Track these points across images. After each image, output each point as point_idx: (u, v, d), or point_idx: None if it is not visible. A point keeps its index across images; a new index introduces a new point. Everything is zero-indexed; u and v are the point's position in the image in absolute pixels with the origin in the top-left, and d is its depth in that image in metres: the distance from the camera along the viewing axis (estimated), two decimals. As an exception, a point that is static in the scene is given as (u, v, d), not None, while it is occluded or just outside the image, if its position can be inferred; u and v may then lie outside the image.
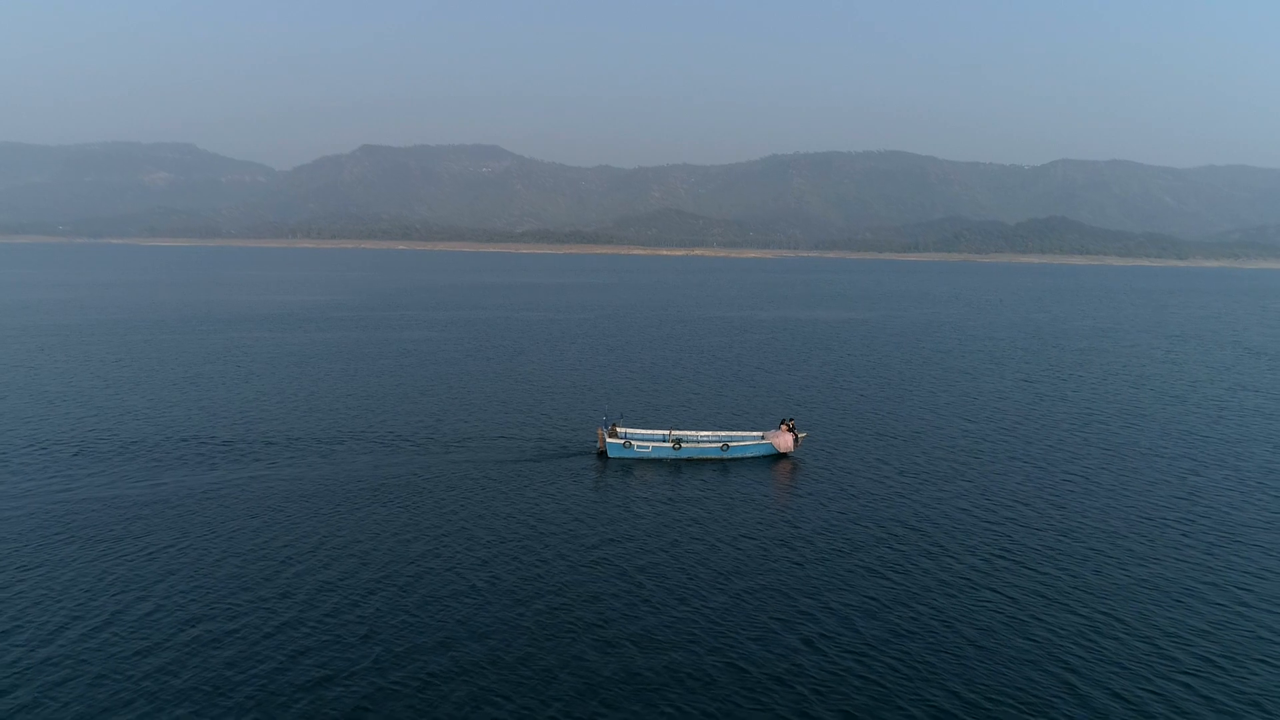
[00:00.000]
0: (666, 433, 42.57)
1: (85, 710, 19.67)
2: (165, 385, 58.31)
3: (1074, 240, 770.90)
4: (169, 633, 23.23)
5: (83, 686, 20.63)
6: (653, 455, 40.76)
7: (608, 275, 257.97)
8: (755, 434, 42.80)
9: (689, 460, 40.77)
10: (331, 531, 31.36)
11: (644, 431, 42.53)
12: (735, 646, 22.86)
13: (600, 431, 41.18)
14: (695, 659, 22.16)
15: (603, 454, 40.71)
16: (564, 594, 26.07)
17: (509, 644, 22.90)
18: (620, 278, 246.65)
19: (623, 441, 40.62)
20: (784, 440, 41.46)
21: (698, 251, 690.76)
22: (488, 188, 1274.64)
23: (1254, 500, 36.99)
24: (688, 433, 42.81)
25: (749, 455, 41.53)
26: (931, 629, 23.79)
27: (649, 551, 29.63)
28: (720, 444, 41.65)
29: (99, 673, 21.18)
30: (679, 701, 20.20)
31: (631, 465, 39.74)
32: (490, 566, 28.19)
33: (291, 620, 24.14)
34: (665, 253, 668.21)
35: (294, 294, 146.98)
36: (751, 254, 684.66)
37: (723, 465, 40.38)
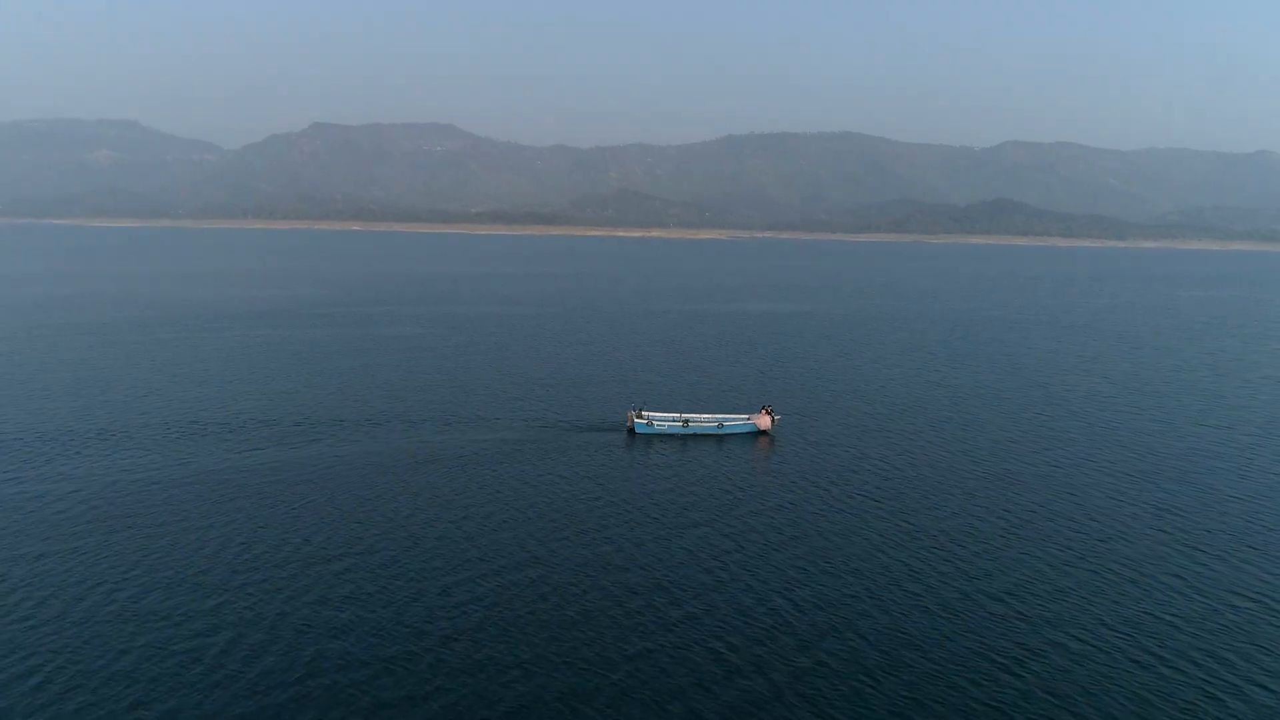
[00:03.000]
0: (678, 415, 54.04)
1: (291, 595, 29.66)
2: (224, 379, 66.53)
3: (1020, 221, 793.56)
4: (326, 554, 33.83)
5: (283, 581, 30.77)
6: (668, 431, 52.68)
7: (571, 263, 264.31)
8: (743, 416, 54.79)
9: (694, 435, 52.70)
10: (416, 489, 41.36)
11: (661, 414, 54.07)
12: (720, 564, 33.28)
13: (630, 414, 53.45)
14: (692, 564, 32.71)
15: (631, 430, 52.71)
16: (607, 526, 37.39)
17: (562, 547, 34.57)
18: (583, 265, 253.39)
19: (646, 421, 52.59)
20: (764, 421, 53.53)
21: (655, 233, 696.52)
22: (443, 167, 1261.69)
23: (1041, 458, 49.85)
24: (693, 415, 54.55)
25: (738, 432, 53.40)
26: (827, 535, 37.23)
27: (666, 498, 41.42)
28: (717, 423, 53.62)
29: (293, 572, 31.59)
30: (685, 596, 30.03)
31: (652, 439, 51.81)
32: (553, 506, 39.39)
33: (410, 549, 34.24)
34: (623, 234, 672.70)
35: (277, 288, 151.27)
36: (708, 235, 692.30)
37: (719, 439, 52.49)
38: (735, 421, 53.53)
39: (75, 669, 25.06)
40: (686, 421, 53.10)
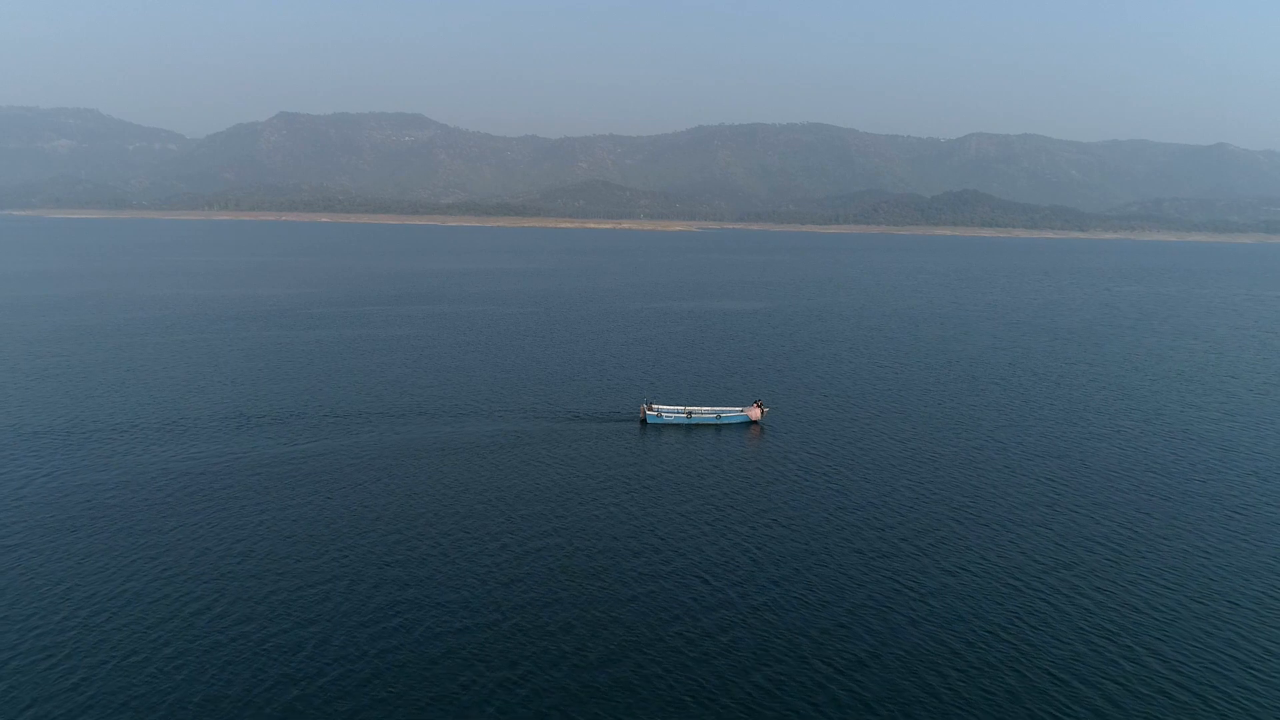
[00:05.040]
0: (683, 407, 60.31)
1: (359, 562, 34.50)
2: (252, 378, 70.05)
3: (985, 213, 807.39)
4: (389, 526, 39.07)
5: (360, 547, 36.37)
6: (674, 422, 58.96)
7: (551, 259, 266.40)
8: (737, 408, 61.04)
9: (697, 425, 59.10)
10: (455, 471, 46.80)
11: (669, 407, 60.18)
12: (710, 525, 40.53)
13: (642, 407, 59.73)
14: (696, 529, 38.19)
15: (643, 421, 58.90)
16: (625, 498, 44.04)
17: (588, 514, 41.43)
18: (560, 261, 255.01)
19: (656, 413, 58.85)
20: (755, 412, 60.15)
21: (625, 224, 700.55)
22: (411, 157, 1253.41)
23: (955, 439, 56.89)
24: (696, 408, 60.77)
25: (734, 422, 59.79)
26: (794, 502, 43.45)
27: (672, 477, 47.91)
28: (716, 414, 60.09)
29: (365, 540, 36.95)
30: (684, 553, 34.82)
31: (661, 428, 57.96)
32: (581, 483, 45.87)
33: (460, 518, 40.34)
34: (593, 225, 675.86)
35: (270, 287, 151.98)
36: (678, 226, 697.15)
37: (717, 428, 58.81)
38: (731, 413, 59.82)
39: (210, 615, 30.24)
40: (690, 413, 59.44)
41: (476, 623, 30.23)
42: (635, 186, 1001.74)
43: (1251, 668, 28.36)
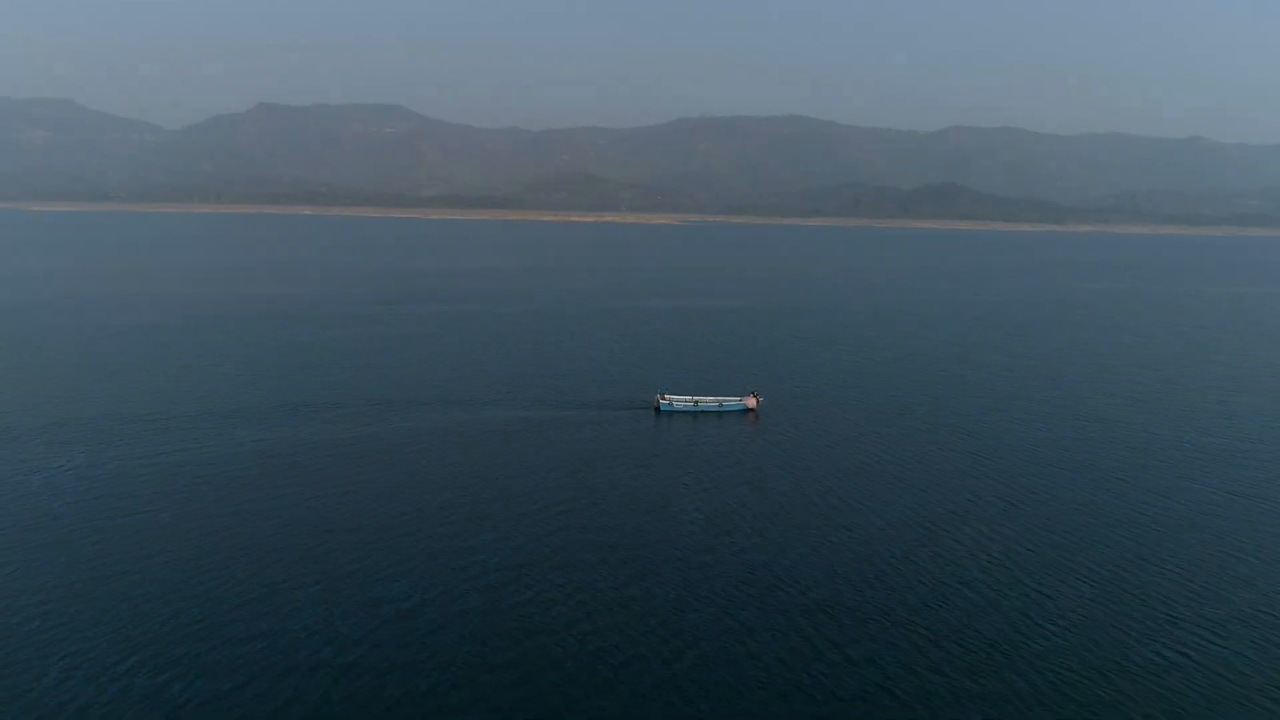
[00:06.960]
0: (690, 397, 69.85)
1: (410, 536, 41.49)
2: (295, 373, 77.62)
3: (963, 206, 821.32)
4: (445, 497, 46.52)
5: (423, 511, 42.44)
6: (683, 410, 68.33)
7: (541, 256, 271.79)
8: (736, 398, 70.26)
9: (702, 412, 68.44)
10: (496, 452, 55.47)
11: (679, 397, 69.47)
12: (710, 490, 49.05)
13: (657, 397, 69.01)
14: (694, 500, 46.72)
15: (657, 409, 68.06)
16: (646, 470, 52.94)
17: (612, 483, 49.77)
18: (555, 259, 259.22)
19: (668, 402, 68.27)
20: (751, 401, 69.63)
21: (608, 217, 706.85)
22: (391, 149, 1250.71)
23: (896, 422, 65.52)
24: (701, 397, 70.17)
25: (733, 410, 69.12)
26: (771, 472, 51.72)
27: (682, 455, 56.85)
28: (718, 404, 69.50)
29: (428, 508, 43.86)
30: (681, 526, 43.24)
31: (672, 415, 67.31)
32: (607, 460, 54.41)
33: (507, 488, 48.36)
34: (576, 218, 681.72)
35: (279, 286, 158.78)
36: (661, 219, 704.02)
37: (719, 415, 68.21)
38: (731, 402, 69.10)
39: (293, 589, 35.39)
40: (696, 402, 68.73)
41: (535, 571, 37.58)
42: (617, 179, 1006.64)
43: (1085, 579, 38.57)
